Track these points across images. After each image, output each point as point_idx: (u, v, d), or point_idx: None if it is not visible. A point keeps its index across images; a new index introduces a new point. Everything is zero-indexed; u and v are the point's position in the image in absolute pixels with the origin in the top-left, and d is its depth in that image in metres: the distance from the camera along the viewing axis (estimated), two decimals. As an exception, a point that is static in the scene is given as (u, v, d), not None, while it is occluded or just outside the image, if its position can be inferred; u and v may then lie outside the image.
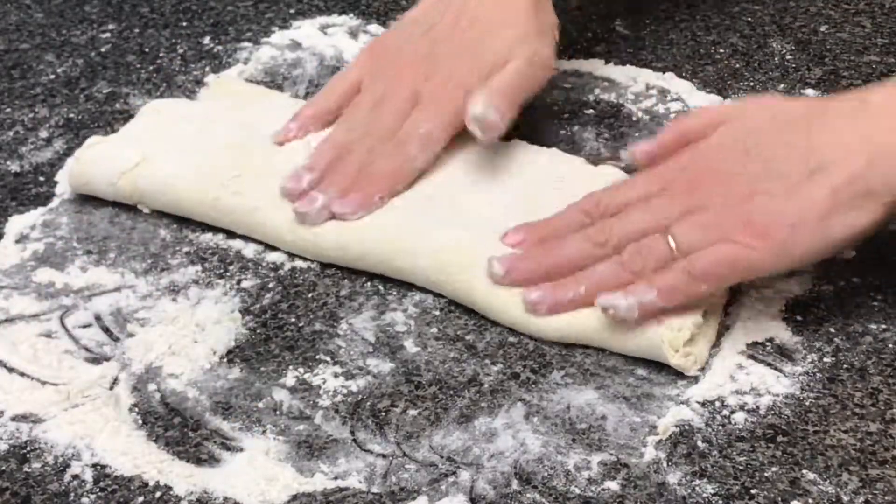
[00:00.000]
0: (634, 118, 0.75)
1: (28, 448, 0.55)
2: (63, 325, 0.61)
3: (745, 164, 0.57)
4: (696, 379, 0.57)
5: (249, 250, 0.66)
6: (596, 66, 0.79)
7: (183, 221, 0.68)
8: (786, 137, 0.57)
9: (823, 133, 0.56)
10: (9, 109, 0.78)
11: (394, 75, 0.68)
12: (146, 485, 0.53)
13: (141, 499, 0.52)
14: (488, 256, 0.60)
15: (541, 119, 0.72)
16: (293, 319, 0.62)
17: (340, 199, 0.63)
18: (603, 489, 0.52)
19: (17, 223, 0.68)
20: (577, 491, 0.52)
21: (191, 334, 0.61)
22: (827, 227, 0.56)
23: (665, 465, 0.53)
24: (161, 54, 0.82)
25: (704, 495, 0.52)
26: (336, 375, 0.58)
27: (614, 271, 0.58)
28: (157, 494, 0.53)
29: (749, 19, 0.82)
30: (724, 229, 0.56)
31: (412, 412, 0.56)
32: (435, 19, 0.69)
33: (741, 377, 0.57)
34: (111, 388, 0.58)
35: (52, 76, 0.81)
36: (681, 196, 0.58)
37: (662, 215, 0.58)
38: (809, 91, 0.76)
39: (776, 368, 0.58)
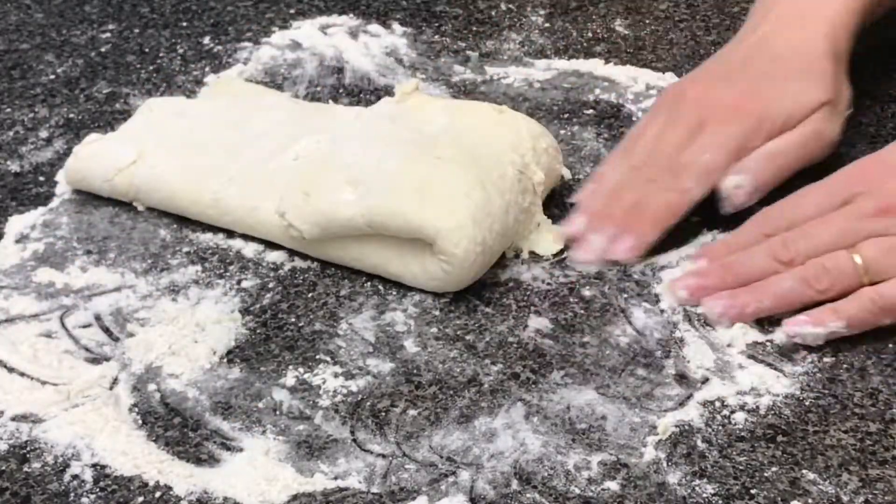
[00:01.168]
0: (634, 118, 0.75)
1: (28, 448, 0.55)
2: (63, 325, 0.61)
3: None
4: (696, 380, 0.57)
5: (249, 250, 0.66)
6: (596, 66, 0.79)
7: (183, 221, 0.68)
8: None
9: None
10: (9, 109, 0.78)
11: (675, 100, 0.65)
12: (146, 485, 0.53)
13: (141, 499, 0.52)
14: (671, 280, 0.60)
15: (541, 119, 0.72)
16: (293, 319, 0.62)
17: (614, 245, 0.62)
18: (603, 489, 0.52)
19: (17, 223, 0.68)
20: (577, 491, 0.52)
21: (191, 334, 0.61)
22: None
23: (665, 465, 0.53)
24: (161, 54, 0.82)
25: (704, 495, 0.52)
26: (336, 375, 0.58)
27: (800, 288, 0.57)
28: (157, 494, 0.53)
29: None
30: None
31: (412, 412, 0.56)
32: (732, 56, 0.66)
33: (741, 377, 0.57)
34: (111, 388, 0.58)
35: (52, 76, 0.81)
36: (872, 216, 0.56)
37: (848, 232, 0.56)
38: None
39: (776, 368, 0.58)
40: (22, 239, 0.67)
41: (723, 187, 0.62)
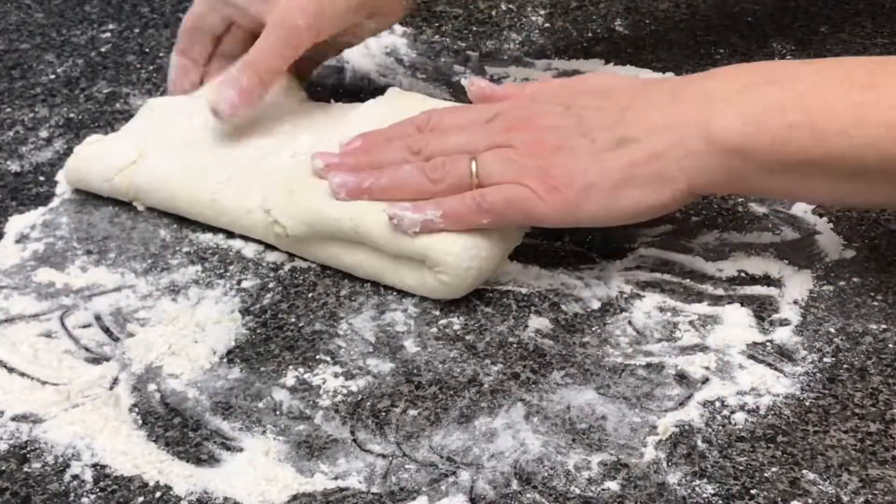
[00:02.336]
0: (634, 118, 0.75)
1: (28, 448, 0.55)
2: (63, 325, 0.61)
3: (562, 118, 0.60)
4: (696, 380, 0.57)
5: (249, 250, 0.66)
6: (596, 66, 0.80)
7: (183, 221, 0.68)
8: (604, 105, 0.60)
9: (639, 111, 0.59)
10: (9, 109, 0.78)
11: None
12: (146, 485, 0.53)
13: (141, 499, 0.52)
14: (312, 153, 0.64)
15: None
16: (293, 319, 0.62)
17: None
18: (603, 489, 0.52)
19: (17, 223, 0.68)
20: (577, 491, 0.52)
21: (191, 334, 0.61)
22: (617, 196, 0.58)
23: (665, 465, 0.53)
24: (161, 54, 0.83)
25: (704, 495, 0.52)
26: (336, 375, 0.58)
27: (415, 175, 0.61)
28: (157, 494, 0.53)
29: (749, 19, 0.82)
30: (523, 171, 0.59)
31: (412, 412, 0.56)
32: None
33: (741, 377, 0.57)
34: (111, 388, 0.58)
35: (53, 76, 0.81)
36: (498, 131, 0.61)
37: (475, 141, 0.61)
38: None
39: (776, 368, 0.58)
40: (22, 239, 0.67)
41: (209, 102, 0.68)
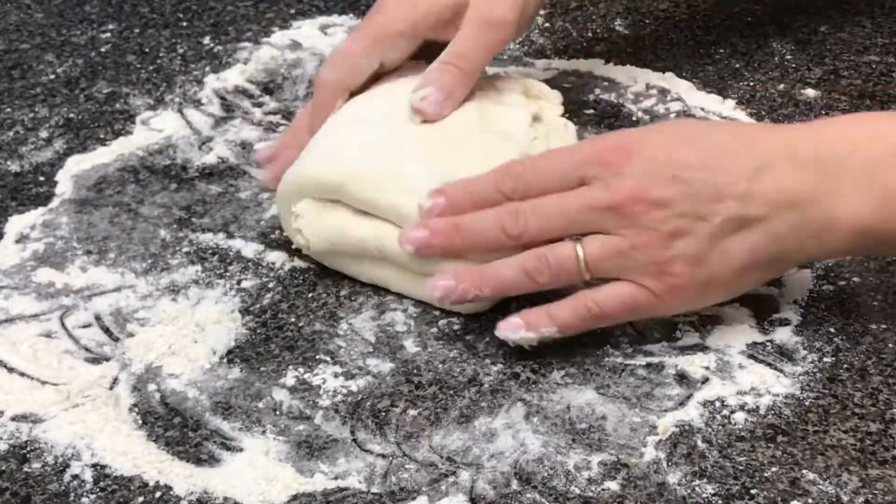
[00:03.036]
0: (634, 118, 0.75)
1: (28, 448, 0.55)
2: (63, 324, 0.61)
3: (674, 190, 0.54)
4: (696, 380, 0.57)
5: (249, 250, 0.66)
6: (596, 66, 0.80)
7: (182, 221, 0.68)
8: (719, 172, 0.54)
9: (756, 182, 0.54)
10: (9, 109, 0.78)
11: None
12: (146, 485, 0.53)
13: (141, 499, 0.52)
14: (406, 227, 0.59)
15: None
16: (293, 319, 0.62)
17: None
18: (603, 489, 0.52)
19: (17, 223, 0.68)
20: (577, 491, 0.52)
21: (191, 334, 0.61)
22: (737, 285, 0.56)
23: (665, 465, 0.53)
24: (161, 54, 0.83)
25: (704, 495, 0.52)
26: (336, 375, 0.58)
27: (520, 279, 0.57)
28: (157, 494, 0.53)
29: (749, 19, 0.82)
30: (637, 268, 0.55)
31: (412, 412, 0.56)
32: None
33: (741, 377, 0.57)
34: (111, 388, 0.58)
35: (52, 76, 0.81)
36: (601, 207, 0.55)
37: (578, 221, 0.56)
38: (809, 91, 0.76)
39: (776, 368, 0.58)
40: (22, 239, 0.67)
41: (411, 103, 0.62)
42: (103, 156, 0.73)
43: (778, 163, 0.54)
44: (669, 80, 0.77)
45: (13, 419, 0.56)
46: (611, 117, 0.75)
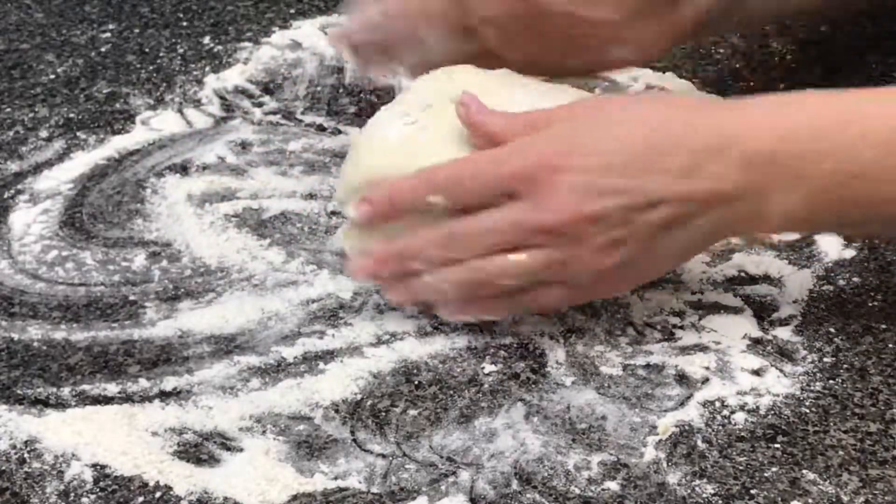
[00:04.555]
0: (634, 118, 0.75)
1: (28, 448, 0.55)
2: (63, 325, 0.62)
3: (607, 200, 0.54)
4: (696, 380, 0.57)
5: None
6: (596, 66, 0.79)
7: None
8: (655, 164, 0.54)
9: (689, 180, 0.54)
10: (9, 109, 0.78)
11: None
12: (146, 485, 0.53)
13: (141, 499, 0.53)
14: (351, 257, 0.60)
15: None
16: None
17: None
18: (603, 489, 0.52)
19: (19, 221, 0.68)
20: (577, 491, 0.52)
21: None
22: (665, 270, 0.59)
23: (665, 465, 0.53)
24: (161, 54, 0.83)
25: (704, 495, 0.52)
26: (336, 375, 0.58)
27: (462, 290, 0.57)
28: (158, 494, 0.53)
29: (749, 19, 0.82)
30: (575, 278, 0.56)
31: (412, 412, 0.56)
32: None
33: (741, 377, 0.57)
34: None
35: (53, 76, 0.81)
36: (529, 229, 0.55)
37: (514, 239, 0.55)
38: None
39: (776, 368, 0.58)
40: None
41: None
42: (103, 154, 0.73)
43: (707, 162, 0.54)
44: (670, 81, 0.77)
45: (13, 418, 0.56)
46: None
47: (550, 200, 0.54)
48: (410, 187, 0.57)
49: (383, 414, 0.56)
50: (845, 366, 0.58)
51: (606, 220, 0.54)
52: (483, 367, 0.59)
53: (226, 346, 0.60)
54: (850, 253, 0.64)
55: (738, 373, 0.58)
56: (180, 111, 0.77)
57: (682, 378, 0.58)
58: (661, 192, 0.54)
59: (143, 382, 0.58)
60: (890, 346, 0.59)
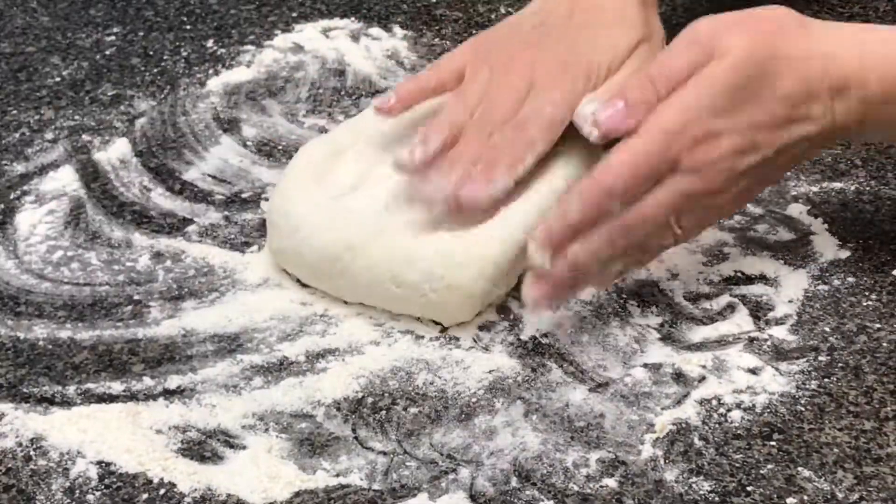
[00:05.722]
0: (633, 120, 0.75)
1: (34, 445, 0.55)
2: (68, 324, 0.62)
3: (732, 124, 0.58)
4: (693, 378, 0.58)
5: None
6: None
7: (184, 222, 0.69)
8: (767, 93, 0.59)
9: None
10: (15, 111, 0.78)
11: (503, 63, 0.64)
12: (150, 482, 0.54)
13: (145, 496, 0.53)
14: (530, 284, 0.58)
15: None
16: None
17: (467, 186, 0.60)
18: (601, 486, 0.53)
19: (25, 222, 0.69)
20: (576, 488, 0.53)
21: (194, 333, 0.61)
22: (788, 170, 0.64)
23: (662, 462, 0.54)
24: (165, 57, 0.83)
25: (701, 492, 0.52)
26: (337, 374, 0.59)
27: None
28: (162, 492, 0.53)
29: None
30: (724, 211, 0.61)
31: (413, 410, 0.57)
32: (546, 13, 0.68)
33: (737, 376, 0.58)
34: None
35: (58, 79, 0.81)
36: (695, 195, 0.58)
37: (673, 207, 0.58)
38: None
39: (772, 367, 0.58)
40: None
41: (579, 116, 0.62)
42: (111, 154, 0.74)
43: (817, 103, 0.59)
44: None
45: (19, 416, 0.57)
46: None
47: (710, 167, 0.57)
48: (581, 214, 0.57)
49: (384, 412, 0.57)
50: (840, 364, 0.58)
51: (726, 134, 0.57)
52: (483, 366, 0.59)
53: (229, 344, 0.61)
54: (844, 253, 0.65)
55: (734, 371, 0.58)
56: (184, 113, 0.78)
57: (679, 376, 0.58)
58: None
59: (148, 381, 0.59)
60: (884, 344, 0.59)
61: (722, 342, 0.60)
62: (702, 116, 0.57)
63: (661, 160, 0.57)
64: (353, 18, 0.87)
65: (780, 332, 0.60)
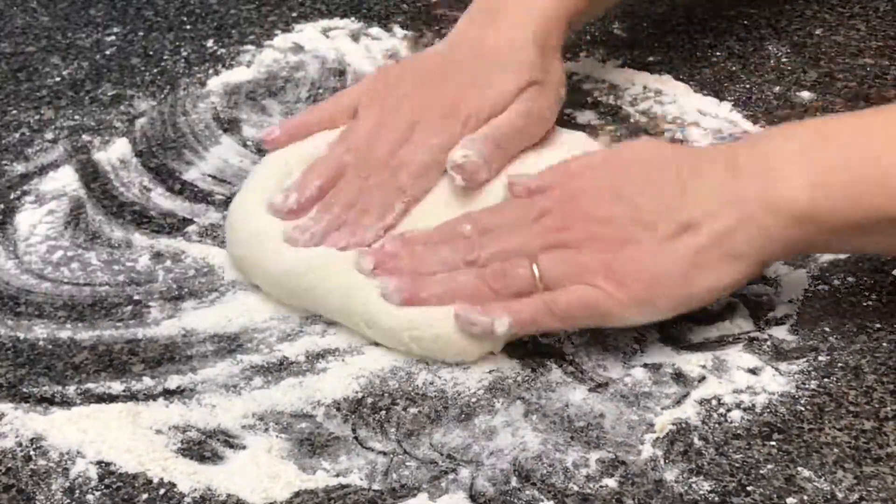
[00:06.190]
0: (632, 119, 0.75)
1: (33, 445, 0.56)
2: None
3: (618, 208, 0.57)
4: (693, 378, 0.58)
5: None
6: (594, 69, 0.80)
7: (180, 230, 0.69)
8: (659, 188, 0.57)
9: (697, 191, 0.57)
10: (15, 111, 0.78)
11: (393, 103, 0.66)
12: (150, 482, 0.54)
13: (145, 496, 0.53)
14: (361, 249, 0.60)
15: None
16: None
17: (334, 233, 0.62)
18: (601, 486, 0.53)
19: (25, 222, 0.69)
20: (576, 488, 0.53)
21: (194, 333, 0.62)
22: (689, 283, 0.56)
23: (662, 462, 0.54)
24: (165, 57, 0.83)
25: (701, 492, 0.52)
26: (338, 374, 0.59)
27: (475, 283, 0.58)
28: (162, 491, 0.53)
29: (745, 22, 0.83)
30: (588, 271, 0.57)
31: (413, 410, 0.57)
32: (448, 53, 0.69)
33: (737, 376, 0.58)
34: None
35: (58, 78, 0.81)
36: (552, 230, 0.58)
37: (532, 242, 0.58)
38: (805, 94, 0.77)
39: (772, 367, 0.58)
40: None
41: (449, 163, 0.63)
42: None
43: (715, 169, 0.57)
44: (666, 83, 0.78)
45: (19, 416, 0.57)
46: (609, 117, 0.75)
47: (570, 208, 0.59)
48: (447, 227, 0.61)
49: (384, 412, 0.57)
50: (840, 364, 0.58)
51: (618, 220, 0.57)
52: (483, 366, 0.59)
53: (229, 344, 0.61)
54: (844, 253, 0.65)
55: (734, 371, 0.58)
56: (184, 113, 0.78)
57: (678, 376, 0.58)
58: (670, 199, 0.57)
59: (148, 381, 0.59)
60: (884, 344, 0.59)
61: (722, 342, 0.60)
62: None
63: (528, 211, 0.59)
64: (353, 18, 0.87)
65: (780, 332, 0.60)
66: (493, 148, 0.64)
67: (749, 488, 0.52)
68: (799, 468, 0.53)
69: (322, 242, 0.62)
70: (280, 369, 0.59)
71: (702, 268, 0.56)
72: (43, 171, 0.73)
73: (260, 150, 0.74)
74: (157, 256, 0.67)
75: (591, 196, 0.59)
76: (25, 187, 0.72)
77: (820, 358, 0.59)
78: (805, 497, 0.52)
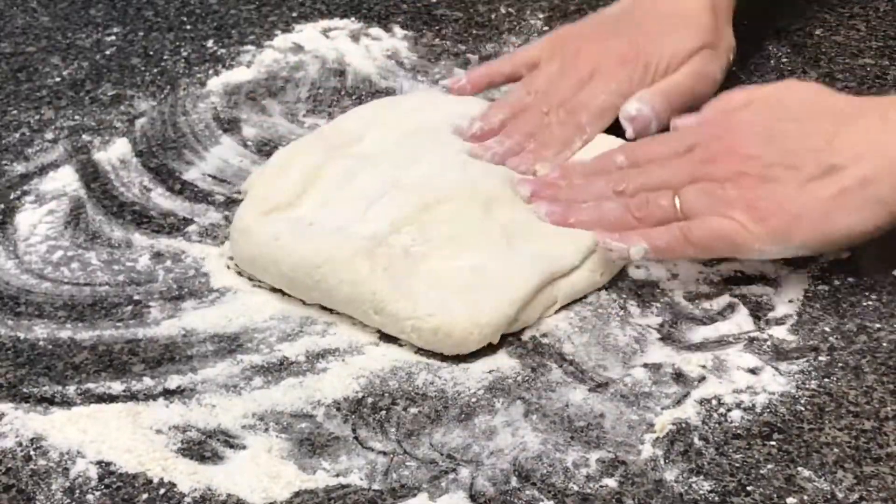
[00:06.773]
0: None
1: (33, 445, 0.56)
2: (68, 324, 0.62)
3: (766, 147, 0.59)
4: (693, 378, 0.58)
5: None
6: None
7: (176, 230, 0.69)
8: (810, 131, 0.59)
9: (846, 137, 0.58)
10: (15, 111, 0.78)
11: (572, 54, 0.71)
12: (150, 482, 0.54)
13: (145, 496, 0.53)
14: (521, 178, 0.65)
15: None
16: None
17: (514, 157, 0.67)
18: (601, 486, 0.53)
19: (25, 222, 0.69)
20: (576, 488, 0.53)
21: (194, 333, 0.62)
22: (828, 222, 0.58)
23: (662, 462, 0.54)
24: (165, 57, 0.83)
25: (701, 492, 0.52)
26: (338, 374, 0.59)
27: (619, 212, 0.62)
28: (162, 491, 0.53)
29: (745, 23, 0.83)
30: (728, 204, 0.59)
31: (413, 410, 0.57)
32: (624, 13, 0.73)
33: (737, 375, 0.58)
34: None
35: (58, 79, 0.81)
36: (698, 163, 0.61)
37: (679, 174, 0.61)
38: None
39: (772, 367, 0.58)
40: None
41: (623, 113, 0.69)
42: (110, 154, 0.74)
43: (867, 118, 0.59)
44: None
45: (19, 416, 0.57)
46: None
47: (718, 143, 0.61)
48: (601, 159, 0.65)
49: (384, 412, 0.57)
50: (840, 364, 0.58)
51: (763, 158, 0.59)
52: (483, 366, 0.59)
53: (229, 344, 0.61)
54: (844, 253, 0.65)
55: (734, 371, 0.58)
56: (183, 113, 0.78)
57: (679, 376, 0.58)
58: (817, 142, 0.59)
59: (148, 381, 0.59)
60: (884, 344, 0.59)
61: (722, 342, 0.60)
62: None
63: (680, 144, 0.62)
64: (353, 18, 0.87)
65: (780, 332, 0.60)
66: (665, 104, 0.68)
67: (749, 488, 0.52)
68: (799, 468, 0.53)
69: (501, 162, 0.66)
70: (280, 369, 0.59)
71: (843, 209, 0.58)
72: (43, 171, 0.73)
73: (260, 151, 0.75)
74: (157, 256, 0.67)
75: (741, 133, 0.61)
76: (25, 187, 0.72)
77: (820, 358, 0.59)
78: (805, 497, 0.52)
